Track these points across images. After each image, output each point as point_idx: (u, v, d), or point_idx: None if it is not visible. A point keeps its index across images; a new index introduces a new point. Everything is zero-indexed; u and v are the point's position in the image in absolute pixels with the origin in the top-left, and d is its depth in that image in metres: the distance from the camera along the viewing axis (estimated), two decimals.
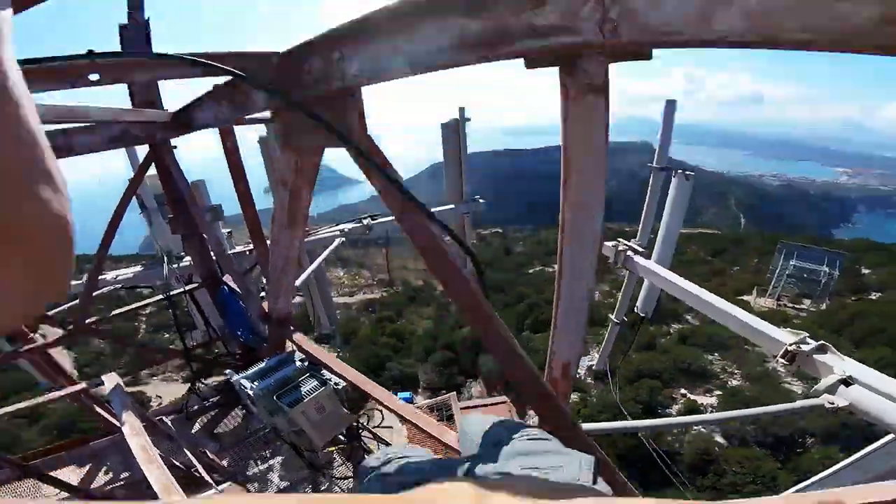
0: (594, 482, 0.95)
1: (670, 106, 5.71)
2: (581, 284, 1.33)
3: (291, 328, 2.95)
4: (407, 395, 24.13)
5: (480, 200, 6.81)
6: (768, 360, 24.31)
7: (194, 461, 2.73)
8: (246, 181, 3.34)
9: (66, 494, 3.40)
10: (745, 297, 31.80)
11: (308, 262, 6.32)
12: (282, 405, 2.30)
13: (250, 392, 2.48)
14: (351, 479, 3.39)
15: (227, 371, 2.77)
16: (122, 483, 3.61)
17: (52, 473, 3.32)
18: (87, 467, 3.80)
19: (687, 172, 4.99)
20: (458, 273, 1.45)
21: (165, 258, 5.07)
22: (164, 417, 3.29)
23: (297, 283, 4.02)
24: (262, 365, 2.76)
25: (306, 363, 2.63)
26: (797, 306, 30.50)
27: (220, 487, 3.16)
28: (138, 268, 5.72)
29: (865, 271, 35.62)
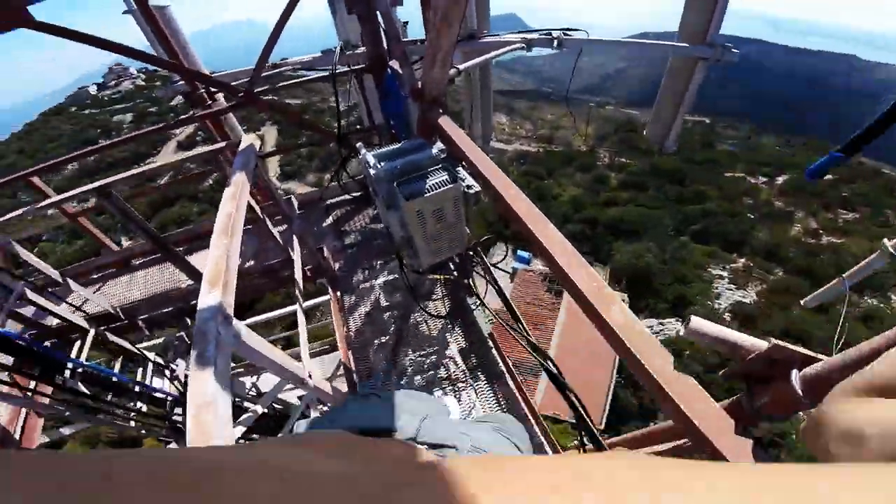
0: None
1: None
2: None
3: (441, 111, 2.38)
4: (526, 255, 24.22)
5: (734, 50, 4.58)
6: None
7: (295, 253, 2.47)
8: None
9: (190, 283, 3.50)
10: None
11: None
12: (399, 193, 1.88)
13: (372, 171, 2.12)
14: (443, 321, 2.98)
15: (359, 144, 2.44)
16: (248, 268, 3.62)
17: (188, 257, 3.42)
18: None
19: None
20: None
21: (342, 44, 5.01)
22: (293, 199, 3.01)
23: (463, 67, 3.30)
24: (397, 146, 2.34)
25: (444, 154, 2.11)
26: None
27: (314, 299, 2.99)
28: (318, 53, 5.69)
29: None
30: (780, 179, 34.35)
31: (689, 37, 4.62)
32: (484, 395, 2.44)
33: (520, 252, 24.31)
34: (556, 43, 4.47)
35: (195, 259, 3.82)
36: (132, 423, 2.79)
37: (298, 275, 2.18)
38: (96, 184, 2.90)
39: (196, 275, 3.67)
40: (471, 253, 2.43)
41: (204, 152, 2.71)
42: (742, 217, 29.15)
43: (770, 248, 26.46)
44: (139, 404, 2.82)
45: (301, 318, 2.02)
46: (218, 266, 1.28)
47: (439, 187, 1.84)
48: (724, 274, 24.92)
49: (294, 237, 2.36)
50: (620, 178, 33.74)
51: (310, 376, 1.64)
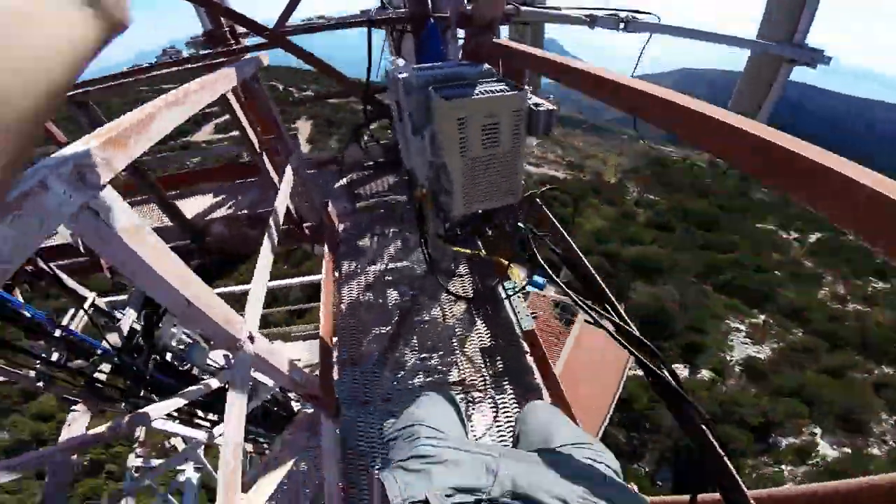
0: None
1: None
2: None
3: (493, 36, 1.83)
4: (542, 280, 23.40)
5: (824, 53, 4.06)
6: None
7: (284, 184, 1.93)
8: None
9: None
10: None
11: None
12: (434, 97, 1.32)
13: (401, 76, 1.56)
14: (465, 309, 2.38)
15: (390, 58, 1.91)
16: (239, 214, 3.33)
17: (180, 202, 3.14)
18: (221, 198, 3.58)
19: None
20: None
21: (382, 2, 4.68)
22: (300, 142, 2.57)
23: (524, 9, 2.79)
24: (438, 64, 1.80)
25: (499, 77, 1.55)
26: None
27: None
28: (357, 10, 5.36)
29: None
30: (812, 237, 32.94)
31: (776, 25, 4.07)
32: (507, 413, 1.80)
33: (535, 277, 23.61)
34: (622, 25, 3.94)
35: (184, 204, 3.31)
36: (31, 373, 2.21)
37: (281, 207, 1.63)
38: (70, 92, 2.45)
39: (180, 219, 3.15)
40: (520, 223, 1.76)
41: (200, 66, 2.24)
42: (769, 273, 27.98)
43: (794, 307, 25.19)
44: (53, 351, 2.25)
45: (265, 260, 1.45)
46: (127, 120, 0.72)
47: (494, 92, 1.26)
48: (742, 328, 23.77)
49: (290, 169, 1.82)
50: (648, 216, 32.84)
51: (250, 339, 1.05)
